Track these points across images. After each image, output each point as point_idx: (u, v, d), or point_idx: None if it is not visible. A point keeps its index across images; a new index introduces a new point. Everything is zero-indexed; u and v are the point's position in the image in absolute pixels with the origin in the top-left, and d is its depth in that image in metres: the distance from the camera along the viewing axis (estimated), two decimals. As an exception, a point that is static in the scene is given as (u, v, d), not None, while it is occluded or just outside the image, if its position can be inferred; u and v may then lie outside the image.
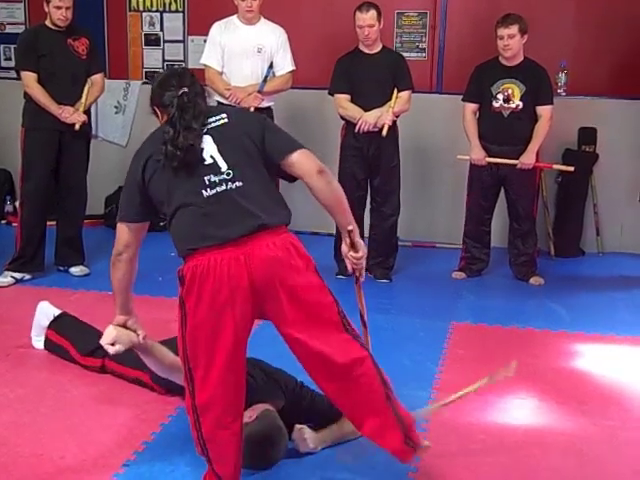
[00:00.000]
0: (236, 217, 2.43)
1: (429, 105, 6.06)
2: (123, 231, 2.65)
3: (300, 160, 2.57)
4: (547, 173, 6.04)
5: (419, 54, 6.48)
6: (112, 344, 2.79)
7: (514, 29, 5.01)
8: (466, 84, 5.30)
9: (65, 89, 4.98)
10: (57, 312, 3.94)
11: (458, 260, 5.49)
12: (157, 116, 2.73)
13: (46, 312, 3.94)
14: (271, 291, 2.43)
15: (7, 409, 3.31)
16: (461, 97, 5.32)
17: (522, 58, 5.14)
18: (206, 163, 2.49)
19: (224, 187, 2.46)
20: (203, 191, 2.46)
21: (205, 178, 2.47)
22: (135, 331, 2.86)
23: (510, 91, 5.10)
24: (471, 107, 5.25)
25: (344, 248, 2.70)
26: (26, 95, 5.01)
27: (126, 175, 2.66)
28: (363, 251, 2.69)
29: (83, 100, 5.04)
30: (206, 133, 2.54)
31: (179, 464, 2.91)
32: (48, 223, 5.18)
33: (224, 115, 2.60)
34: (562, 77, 6.07)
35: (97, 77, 5.15)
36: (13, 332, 4.17)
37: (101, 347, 2.95)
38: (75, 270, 5.23)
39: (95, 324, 4.30)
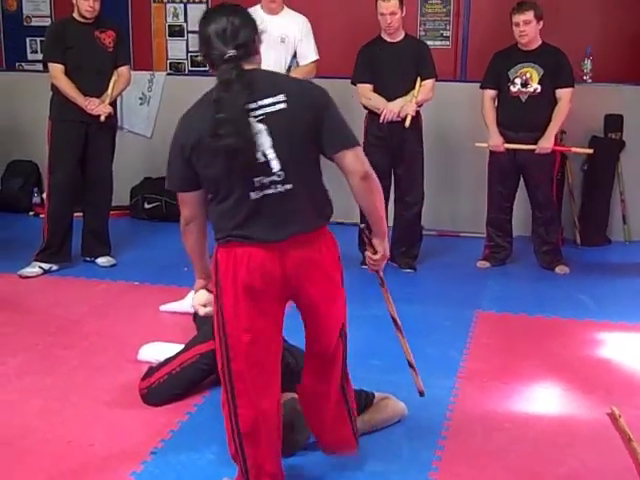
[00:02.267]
0: (279, 222, 2.37)
1: (453, 93, 6.03)
2: (182, 201, 2.51)
3: (350, 159, 2.43)
4: (573, 161, 6.00)
5: (443, 42, 6.45)
6: (204, 305, 2.72)
7: (529, 15, 4.98)
8: (486, 72, 5.28)
9: (91, 81, 5.01)
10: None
11: (482, 249, 5.48)
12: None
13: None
14: (298, 287, 2.46)
15: (36, 397, 3.36)
16: (480, 85, 5.29)
17: (540, 42, 5.12)
18: (258, 162, 2.33)
19: (272, 190, 2.35)
20: (251, 193, 2.34)
21: (255, 180, 2.33)
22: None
23: (528, 75, 5.08)
24: (489, 93, 5.24)
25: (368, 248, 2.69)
26: (53, 87, 5.05)
27: (172, 140, 2.46)
28: (381, 253, 2.63)
29: (109, 92, 5.07)
30: (260, 121, 2.32)
31: (205, 452, 2.94)
32: (75, 214, 5.22)
33: (282, 96, 2.34)
34: (588, 64, 6.01)
35: (123, 69, 5.18)
36: (41, 322, 4.23)
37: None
38: (102, 261, 5.27)
39: (121, 313, 4.37)
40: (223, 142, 2.27)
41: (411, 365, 3.07)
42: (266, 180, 2.34)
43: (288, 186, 2.36)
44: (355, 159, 2.43)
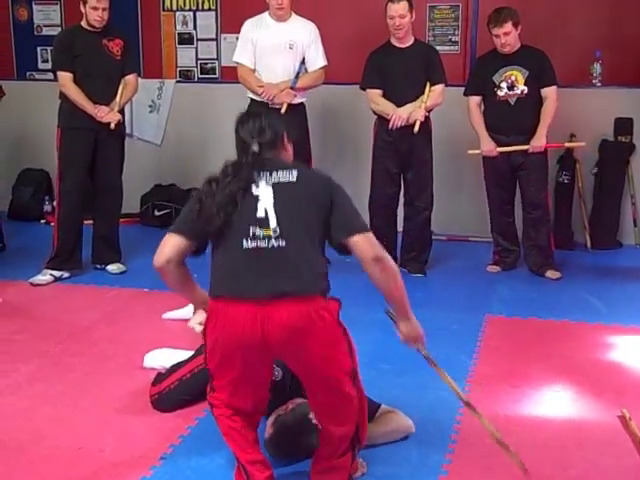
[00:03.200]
0: (266, 278, 2.38)
1: (462, 98, 6.00)
2: (166, 244, 2.60)
3: (359, 243, 2.46)
4: (582, 164, 5.98)
5: (452, 47, 6.46)
6: (200, 324, 2.78)
7: (508, 26, 4.99)
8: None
9: (100, 89, 5.05)
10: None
11: (491, 254, 5.47)
12: None
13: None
14: (283, 354, 2.51)
15: (47, 404, 3.38)
16: (463, 93, 5.32)
17: (519, 44, 5.13)
18: (257, 215, 2.43)
19: (265, 244, 2.40)
20: (244, 240, 2.41)
21: (250, 228, 2.42)
22: None
23: (514, 77, 5.09)
24: (475, 100, 5.25)
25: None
26: (62, 95, 5.09)
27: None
28: (408, 334, 2.70)
29: (118, 99, 5.10)
30: (268, 184, 2.48)
31: (215, 457, 2.94)
32: (85, 222, 5.25)
33: (295, 173, 2.51)
34: (597, 67, 6.00)
35: (131, 77, 5.22)
36: (52, 329, 4.26)
37: None
38: (112, 268, 5.30)
39: (131, 320, 4.39)
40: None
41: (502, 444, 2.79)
42: (260, 232, 2.42)
43: (282, 243, 2.41)
44: (364, 243, 2.47)
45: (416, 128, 4.98)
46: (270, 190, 2.46)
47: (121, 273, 5.28)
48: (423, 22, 6.33)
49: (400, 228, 5.40)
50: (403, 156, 5.16)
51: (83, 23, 5.07)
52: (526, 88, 5.07)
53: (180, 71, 7.07)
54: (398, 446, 3.03)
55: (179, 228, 2.56)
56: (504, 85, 5.10)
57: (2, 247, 5.82)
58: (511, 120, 5.10)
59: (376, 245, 2.48)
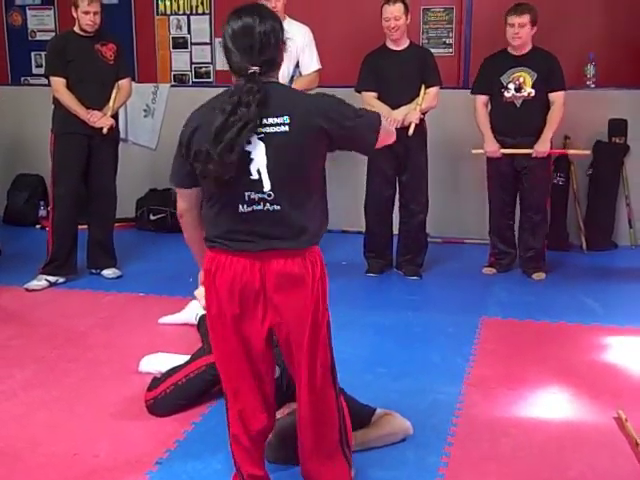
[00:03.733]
0: (262, 238, 2.36)
1: (456, 101, 6.03)
2: (179, 194, 2.53)
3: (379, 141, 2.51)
4: (577, 166, 5.99)
5: (446, 49, 6.47)
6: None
7: (525, 18, 4.98)
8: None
9: (93, 94, 5.04)
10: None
11: (487, 256, 5.47)
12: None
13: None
14: (277, 301, 2.42)
15: (42, 409, 3.37)
16: (470, 91, 5.30)
17: (530, 46, 5.11)
18: (251, 178, 2.32)
19: (261, 207, 2.35)
20: (240, 206, 2.35)
21: (246, 193, 2.34)
22: None
23: (521, 79, 5.07)
24: (482, 99, 5.23)
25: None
26: (55, 100, 5.09)
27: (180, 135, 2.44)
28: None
29: (111, 104, 5.10)
30: (260, 138, 2.30)
31: (211, 462, 2.94)
32: (80, 227, 5.24)
33: (286, 118, 2.30)
34: (591, 69, 6.02)
35: (124, 82, 5.21)
36: (48, 334, 4.25)
37: None
38: (107, 273, 5.29)
39: (127, 325, 4.38)
40: (206, 165, 2.30)
41: None
42: (255, 196, 2.35)
43: (277, 207, 2.35)
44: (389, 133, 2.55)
45: (410, 131, 4.98)
46: (262, 147, 2.30)
47: (117, 278, 5.27)
48: (417, 25, 6.34)
49: (395, 231, 5.40)
50: (399, 158, 5.16)
51: (76, 28, 5.07)
52: (533, 91, 5.05)
53: (174, 75, 7.07)
54: (395, 449, 3.03)
55: (179, 183, 2.50)
56: (511, 86, 5.08)
57: (-2, 252, 5.83)
58: (516, 122, 5.08)
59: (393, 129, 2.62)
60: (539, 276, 5.28)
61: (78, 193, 5.16)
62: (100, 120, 5.01)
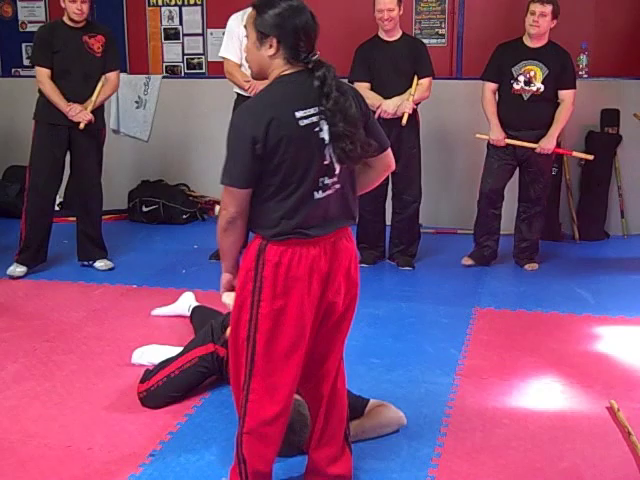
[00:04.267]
0: (332, 220, 2.42)
1: (449, 91, 6.03)
2: (233, 197, 2.38)
3: (389, 154, 2.58)
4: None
5: (438, 40, 6.46)
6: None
7: (548, 8, 4.93)
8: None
9: (78, 86, 5.00)
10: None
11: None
12: (261, 44, 2.36)
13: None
14: (340, 280, 2.46)
15: (35, 402, 3.36)
16: (480, 76, 5.25)
17: (546, 41, 5.07)
18: (325, 162, 2.35)
19: (330, 191, 2.39)
20: (315, 193, 2.36)
21: (320, 179, 2.35)
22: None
23: (532, 73, 5.03)
24: (491, 86, 5.17)
25: None
26: (39, 89, 5.04)
27: (231, 136, 2.34)
28: None
29: (93, 98, 5.04)
30: (325, 121, 2.33)
31: (205, 454, 2.94)
32: (70, 219, 5.21)
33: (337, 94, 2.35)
34: (583, 59, 6.03)
35: (111, 75, 5.15)
36: (40, 326, 4.24)
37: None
38: (100, 265, 5.27)
39: (120, 317, 4.37)
40: (337, 128, 2.30)
41: None
42: (328, 181, 2.38)
43: (338, 186, 2.41)
44: (391, 155, 2.61)
45: (404, 120, 4.97)
46: (327, 128, 2.33)
47: (109, 270, 5.25)
48: (410, 15, 6.33)
49: (388, 222, 5.40)
50: (391, 149, 5.12)
51: (65, 18, 5.02)
52: (542, 87, 5.01)
53: (166, 66, 7.04)
54: (388, 440, 3.03)
55: (244, 183, 2.35)
56: (521, 79, 5.03)
57: (-12, 245, 5.81)
58: (523, 116, 5.04)
59: None
60: (532, 266, 5.29)
61: (54, 183, 5.14)
62: (78, 114, 4.95)
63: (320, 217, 2.39)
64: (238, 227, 2.42)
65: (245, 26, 2.43)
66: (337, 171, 2.38)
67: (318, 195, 2.36)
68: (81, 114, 4.97)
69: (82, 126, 4.97)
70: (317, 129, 2.32)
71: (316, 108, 2.32)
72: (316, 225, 2.38)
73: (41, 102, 5.06)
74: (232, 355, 2.53)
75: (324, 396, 2.60)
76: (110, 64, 5.14)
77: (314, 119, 2.31)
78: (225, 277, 2.57)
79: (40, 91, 5.04)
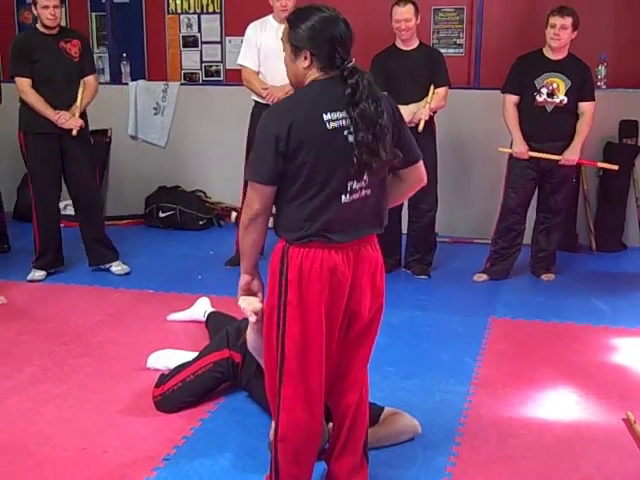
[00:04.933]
0: (358, 227, 2.42)
1: (467, 101, 6.03)
2: (256, 194, 2.39)
3: (422, 169, 2.58)
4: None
5: (456, 50, 6.47)
6: (256, 314, 2.59)
7: (568, 21, 4.90)
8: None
9: (60, 92, 4.99)
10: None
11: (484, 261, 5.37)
12: (296, 57, 2.42)
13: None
14: (364, 288, 2.47)
15: (51, 404, 3.38)
16: (500, 89, 5.23)
17: (567, 53, 5.05)
18: (354, 167, 2.34)
19: (358, 195, 2.39)
20: (342, 196, 2.36)
21: (348, 183, 2.36)
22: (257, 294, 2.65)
23: (555, 85, 5.00)
24: (513, 99, 5.12)
25: None
26: (21, 99, 5.04)
27: (258, 134, 2.39)
28: None
29: (78, 103, 5.03)
30: (353, 125, 2.35)
31: (218, 459, 2.94)
32: (74, 224, 5.26)
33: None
34: (602, 70, 6.00)
35: (90, 78, 5.14)
36: (56, 330, 4.26)
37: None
38: (116, 269, 5.29)
39: (136, 321, 4.39)
40: (358, 136, 2.31)
41: None
42: (356, 186, 2.38)
43: (368, 192, 2.41)
44: (423, 168, 2.59)
45: (420, 127, 4.97)
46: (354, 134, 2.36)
47: (125, 274, 5.27)
48: (428, 25, 6.34)
49: (404, 230, 5.39)
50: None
51: (39, 26, 5.01)
52: (565, 99, 4.97)
53: (185, 73, 7.09)
54: (402, 448, 3.03)
55: (267, 180, 2.35)
56: (544, 91, 4.99)
57: (7, 248, 5.84)
58: (546, 128, 5.01)
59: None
60: (548, 277, 5.27)
61: (56, 188, 5.19)
62: (68, 122, 4.95)
63: (346, 222, 2.38)
64: (260, 225, 2.43)
65: (282, 39, 2.47)
66: (365, 177, 2.38)
67: (345, 199, 2.36)
68: (71, 121, 4.97)
69: (75, 133, 4.97)
70: (346, 132, 2.33)
71: (345, 112, 2.34)
72: (341, 230, 2.38)
73: (25, 112, 5.04)
74: (266, 360, 2.54)
75: (350, 406, 2.60)
76: (87, 68, 5.14)
77: (343, 123, 2.33)
78: (243, 278, 2.56)
79: (22, 101, 5.03)
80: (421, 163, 2.56)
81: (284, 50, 2.46)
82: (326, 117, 2.31)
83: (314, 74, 2.40)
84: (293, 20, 2.42)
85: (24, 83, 4.97)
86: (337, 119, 2.32)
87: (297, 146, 2.29)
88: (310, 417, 2.46)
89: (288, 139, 2.29)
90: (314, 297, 2.38)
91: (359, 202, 2.40)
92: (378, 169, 2.37)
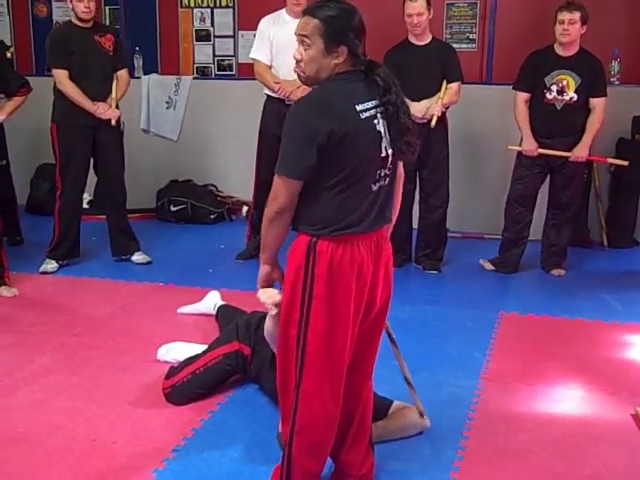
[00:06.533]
0: (382, 213, 2.45)
1: (479, 96, 6.01)
2: (284, 188, 2.35)
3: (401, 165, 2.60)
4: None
5: (469, 45, 6.45)
6: (276, 305, 2.54)
7: (576, 15, 4.89)
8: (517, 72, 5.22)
9: (96, 85, 5.06)
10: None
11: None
12: (329, 52, 2.37)
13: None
14: (380, 278, 2.49)
15: (62, 396, 3.41)
16: (512, 86, 5.23)
17: (578, 48, 5.03)
18: (382, 155, 2.37)
19: (383, 182, 2.41)
20: (372, 185, 2.38)
21: (377, 172, 2.38)
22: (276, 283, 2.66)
23: (565, 82, 4.99)
24: (523, 96, 5.13)
25: None
26: (57, 91, 5.09)
27: (293, 127, 2.33)
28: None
29: (114, 95, 5.13)
30: (382, 115, 2.39)
31: (228, 450, 2.96)
32: (98, 217, 5.29)
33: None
34: (615, 66, 5.97)
35: (122, 72, 5.23)
36: (68, 322, 4.29)
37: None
38: (138, 258, 5.37)
39: (146, 314, 4.41)
40: (400, 120, 2.36)
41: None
42: (383, 172, 2.41)
43: (387, 180, 2.44)
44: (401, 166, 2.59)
45: (433, 122, 4.97)
46: (382, 122, 2.37)
47: (147, 263, 5.33)
48: (441, 20, 6.32)
49: (415, 225, 5.39)
50: (420, 153, 5.11)
51: (73, 19, 5.07)
52: (575, 96, 4.97)
53: (197, 67, 7.10)
54: (410, 442, 3.04)
55: (300, 174, 2.33)
56: (554, 88, 4.99)
57: (20, 240, 5.87)
58: (556, 125, 5.01)
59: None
60: (559, 272, 5.26)
61: (84, 182, 5.25)
62: (107, 112, 5.04)
63: (372, 209, 2.40)
64: (285, 219, 2.40)
65: (302, 34, 2.41)
66: (390, 164, 2.41)
67: (375, 187, 2.40)
68: (109, 111, 5.06)
69: (114, 122, 5.05)
70: (375, 121, 2.35)
71: (374, 101, 2.36)
72: (368, 219, 2.40)
73: (60, 104, 5.10)
74: (280, 355, 2.52)
75: (361, 396, 2.62)
76: (120, 62, 5.23)
77: (372, 112, 2.35)
78: (264, 269, 2.53)
79: (58, 93, 5.08)
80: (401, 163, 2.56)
81: (308, 45, 2.40)
82: (359, 107, 2.32)
83: (341, 69, 2.39)
84: (326, 17, 2.37)
85: (62, 75, 5.02)
86: (367, 109, 2.34)
87: (339, 138, 2.27)
88: (330, 410, 2.47)
89: (331, 132, 2.26)
90: (343, 291, 2.38)
91: (383, 189, 2.43)
92: (413, 154, 2.43)
